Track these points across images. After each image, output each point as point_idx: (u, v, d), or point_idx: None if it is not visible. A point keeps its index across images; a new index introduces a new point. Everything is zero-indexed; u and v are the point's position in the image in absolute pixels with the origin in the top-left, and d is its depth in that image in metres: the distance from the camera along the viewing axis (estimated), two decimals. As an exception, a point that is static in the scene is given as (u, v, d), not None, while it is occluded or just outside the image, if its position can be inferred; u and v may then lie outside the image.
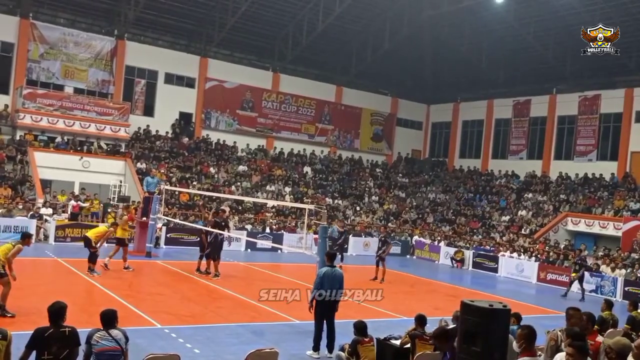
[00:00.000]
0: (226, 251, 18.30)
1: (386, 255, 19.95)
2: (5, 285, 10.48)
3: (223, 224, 17.59)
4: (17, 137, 28.22)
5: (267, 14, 33.65)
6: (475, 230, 31.56)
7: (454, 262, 27.15)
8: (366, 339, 8.61)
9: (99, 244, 16.01)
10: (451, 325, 8.16)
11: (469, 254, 27.26)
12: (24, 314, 10.14)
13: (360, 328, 8.63)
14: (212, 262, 17.25)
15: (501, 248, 27.30)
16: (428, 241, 30.13)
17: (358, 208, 33.93)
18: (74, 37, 30.75)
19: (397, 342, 8.77)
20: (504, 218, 31.86)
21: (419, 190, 38.42)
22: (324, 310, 10.15)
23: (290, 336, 11.33)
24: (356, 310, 13.00)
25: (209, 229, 17.66)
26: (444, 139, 42.23)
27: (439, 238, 30.54)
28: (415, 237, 31.01)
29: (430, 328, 8.73)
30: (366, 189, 36.71)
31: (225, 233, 18.07)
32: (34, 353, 5.80)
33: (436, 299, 17.92)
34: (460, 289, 20.23)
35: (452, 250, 27.89)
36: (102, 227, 17.03)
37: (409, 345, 8.35)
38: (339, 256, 19.83)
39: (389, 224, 32.20)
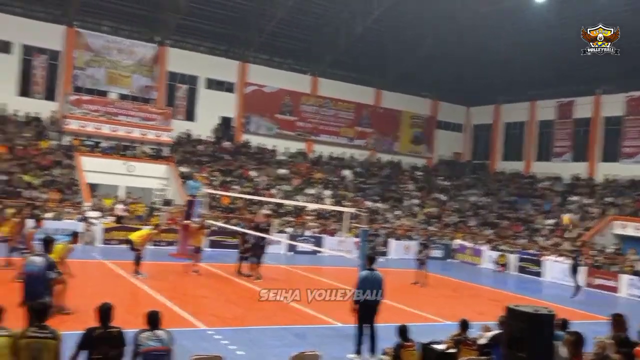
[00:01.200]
0: (267, 254, 18.35)
1: (427, 258, 19.76)
2: (61, 284, 10.77)
3: (267, 227, 17.55)
4: (65, 143, 29.01)
5: (305, 19, 33.83)
6: (518, 234, 30.97)
7: (497, 266, 26.71)
8: (409, 343, 8.52)
9: (142, 246, 16.30)
10: (496, 331, 8.03)
11: (512, 258, 26.78)
12: (73, 315, 10.38)
13: (404, 332, 8.56)
14: (253, 265, 17.36)
15: (545, 252, 26.73)
16: (470, 245, 29.71)
17: (398, 211, 33.71)
18: (117, 44, 31.50)
19: (441, 347, 8.67)
20: (548, 221, 31.18)
21: (460, 194, 37.94)
22: (365, 313, 10.13)
23: (332, 339, 11.31)
24: (399, 314, 12.91)
25: (249, 231, 17.78)
26: (485, 141, 41.64)
27: (481, 241, 30.08)
28: (457, 241, 30.62)
29: (473, 333, 8.61)
30: (406, 192, 36.45)
31: (268, 236, 18.07)
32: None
33: (479, 303, 17.64)
34: (503, 294, 19.88)
35: (494, 254, 27.45)
36: (144, 230, 17.32)
37: (452, 351, 8.25)
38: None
39: (430, 227, 31.89)
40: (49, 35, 29.73)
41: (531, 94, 37.86)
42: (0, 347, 5.57)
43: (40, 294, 8.11)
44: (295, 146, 36.44)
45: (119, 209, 25.01)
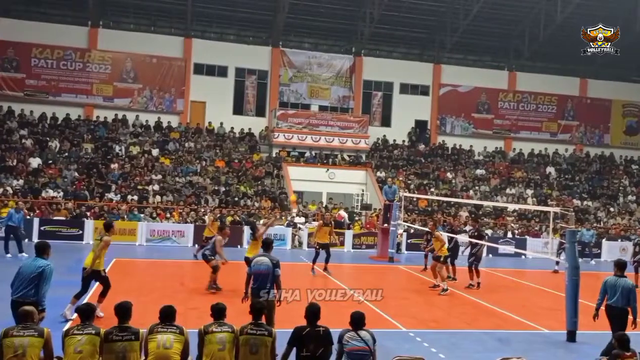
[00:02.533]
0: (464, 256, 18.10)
1: None
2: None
3: (476, 234, 17.24)
4: (273, 154, 31.53)
5: (500, 12, 32.72)
6: None
7: None
8: (628, 353, 7.90)
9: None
10: None
11: None
12: (284, 314, 10.98)
13: (623, 341, 7.93)
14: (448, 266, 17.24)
15: None
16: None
17: (612, 209, 30.96)
18: (317, 59, 33.48)
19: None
20: None
21: (686, 187, 33.71)
22: (611, 319, 9.54)
23: (538, 346, 10.87)
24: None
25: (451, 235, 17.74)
26: None
27: None
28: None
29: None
30: (620, 187, 33.32)
31: (482, 242, 17.67)
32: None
33: None
34: None
35: None
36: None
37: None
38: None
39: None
40: (258, 57, 32.66)
41: None
42: (225, 341, 6.39)
43: (268, 290, 9.08)
44: (492, 145, 35.36)
45: (339, 215, 26.01)
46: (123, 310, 6.41)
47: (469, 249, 17.15)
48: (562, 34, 33.25)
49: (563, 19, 31.51)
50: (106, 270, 11.32)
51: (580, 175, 34.18)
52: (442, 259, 15.65)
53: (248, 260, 11.92)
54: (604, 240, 26.71)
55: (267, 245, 9.61)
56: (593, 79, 36.24)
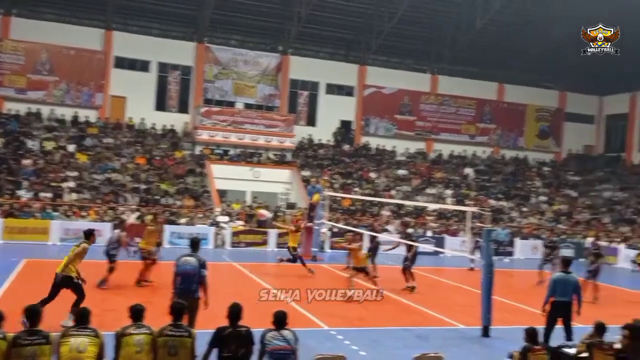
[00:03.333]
0: (388, 255, 18.45)
1: (555, 261, 18.89)
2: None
3: (405, 237, 17.58)
4: (197, 152, 30.97)
5: (423, 17, 33.57)
6: (661, 231, 28.68)
7: (635, 265, 24.92)
8: (537, 347, 8.27)
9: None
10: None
11: (653, 257, 24.84)
12: (205, 314, 10.92)
13: (532, 335, 8.30)
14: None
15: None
16: (604, 243, 27.89)
17: (524, 209, 32.44)
18: (243, 56, 33.15)
19: (572, 351, 8.35)
20: (696, 217, 28.60)
21: (592, 189, 35.78)
22: (557, 313, 10.29)
23: (454, 341, 11.23)
24: (527, 317, 12.52)
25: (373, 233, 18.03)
26: (620, 132, 38.88)
27: (617, 240, 28.19)
28: (590, 239, 28.86)
29: (609, 337, 8.19)
30: (533, 189, 34.98)
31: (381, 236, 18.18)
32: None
33: (615, 305, 16.58)
34: (644, 296, 18.54)
35: (632, 252, 25.64)
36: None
37: (585, 355, 7.92)
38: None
39: (559, 225, 30.38)
40: (182, 52, 31.96)
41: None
42: (143, 343, 6.20)
43: (193, 290, 8.98)
44: (414, 146, 36.24)
45: (261, 213, 26.03)
46: (32, 313, 6.09)
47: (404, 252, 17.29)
48: (482, 39, 34.51)
49: (482, 25, 32.70)
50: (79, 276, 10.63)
51: (496, 176, 35.60)
52: (365, 269, 15.33)
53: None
54: (517, 239, 27.91)
55: (194, 244, 9.48)
56: (509, 84, 37.82)
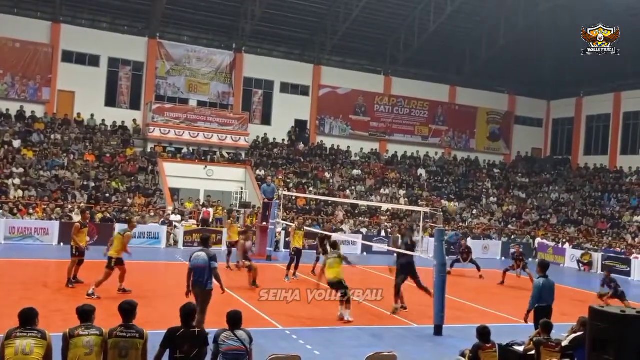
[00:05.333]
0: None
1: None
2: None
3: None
4: (148, 150, 30.35)
5: (378, 18, 33.81)
6: (604, 232, 29.70)
7: (580, 265, 25.72)
8: (488, 345, 8.40)
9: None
10: (579, 333, 7.81)
11: (597, 257, 25.70)
12: (158, 315, 10.85)
13: (483, 333, 8.43)
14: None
15: (634, 250, 25.49)
16: (552, 243, 28.75)
17: (475, 210, 33.08)
18: (196, 53, 32.67)
19: (520, 349, 8.52)
20: (636, 218, 29.71)
21: (540, 191, 36.79)
22: (541, 318, 10.20)
23: (408, 340, 11.32)
24: (479, 315, 12.73)
25: (328, 233, 17.99)
26: (566, 135, 40.13)
27: (563, 240, 29.06)
28: (538, 240, 29.69)
29: (555, 335, 8.40)
30: (484, 190, 35.71)
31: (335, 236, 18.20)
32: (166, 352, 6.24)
33: (562, 304, 17.00)
34: (588, 294, 19.11)
35: (578, 252, 26.45)
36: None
37: (532, 352, 8.09)
38: None
39: (509, 226, 31.10)
40: (133, 47, 31.25)
41: (616, 85, 36.12)
42: (92, 345, 5.97)
43: (206, 282, 9.82)
44: (368, 146, 36.48)
45: (205, 211, 25.75)
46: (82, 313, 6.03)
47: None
48: (435, 42, 35.04)
49: (435, 29, 33.17)
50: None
51: (448, 177, 36.18)
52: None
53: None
54: (468, 239, 28.36)
55: (204, 241, 10.58)
56: (461, 87, 38.50)
